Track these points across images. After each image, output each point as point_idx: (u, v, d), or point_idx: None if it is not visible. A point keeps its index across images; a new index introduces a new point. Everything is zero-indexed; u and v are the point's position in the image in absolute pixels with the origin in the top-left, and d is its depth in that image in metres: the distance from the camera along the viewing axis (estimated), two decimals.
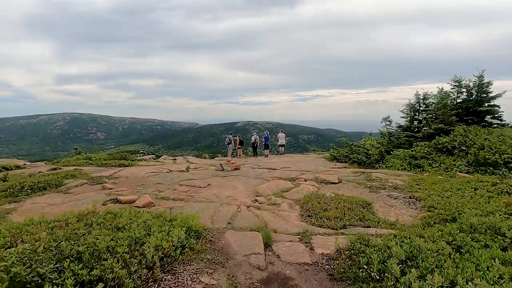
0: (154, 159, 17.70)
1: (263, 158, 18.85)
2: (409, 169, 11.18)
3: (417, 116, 17.48)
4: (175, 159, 16.80)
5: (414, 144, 13.68)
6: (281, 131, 21.06)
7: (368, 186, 7.82)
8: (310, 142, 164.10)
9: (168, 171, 10.28)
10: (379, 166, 12.11)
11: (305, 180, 8.45)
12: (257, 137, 19.35)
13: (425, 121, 16.48)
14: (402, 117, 17.78)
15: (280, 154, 20.96)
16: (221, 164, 10.42)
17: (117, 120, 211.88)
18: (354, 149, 14.40)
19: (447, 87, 15.72)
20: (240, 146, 19.76)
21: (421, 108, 17.03)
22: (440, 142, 11.74)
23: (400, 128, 17.19)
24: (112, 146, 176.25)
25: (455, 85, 15.11)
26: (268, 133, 20.74)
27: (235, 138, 19.83)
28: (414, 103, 17.19)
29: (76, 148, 25.54)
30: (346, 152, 15.00)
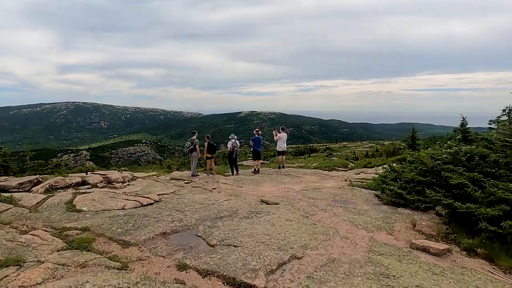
0: (38, 181, 8.74)
1: (248, 177, 9.88)
2: None
3: None
4: (82, 182, 7.88)
5: None
6: (282, 129, 11.93)
7: None
8: (314, 133, 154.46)
9: None
10: None
11: None
12: (236, 142, 10.34)
13: None
14: None
15: (280, 167, 11.92)
16: None
17: (120, 110, 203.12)
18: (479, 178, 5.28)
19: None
20: (210, 155, 10.73)
21: None
22: None
23: None
24: (116, 136, 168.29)
25: None
26: (260, 132, 11.58)
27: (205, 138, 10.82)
28: None
29: None
30: (441, 188, 5.89)
